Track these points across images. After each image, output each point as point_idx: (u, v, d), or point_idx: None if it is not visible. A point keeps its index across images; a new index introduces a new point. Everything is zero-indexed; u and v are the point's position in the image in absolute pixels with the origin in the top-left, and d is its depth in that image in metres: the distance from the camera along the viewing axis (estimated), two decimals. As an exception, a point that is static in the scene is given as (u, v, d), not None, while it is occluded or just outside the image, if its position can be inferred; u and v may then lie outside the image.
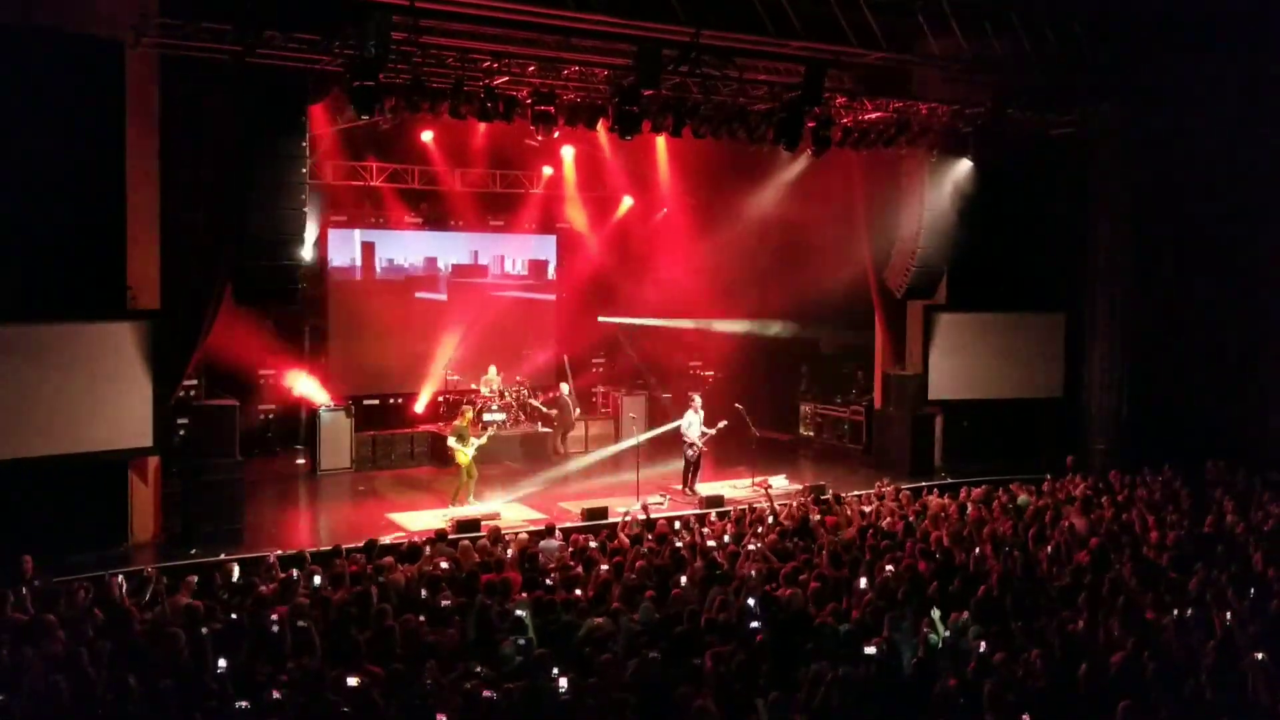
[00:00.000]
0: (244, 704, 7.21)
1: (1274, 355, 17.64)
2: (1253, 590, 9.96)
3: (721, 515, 14.25)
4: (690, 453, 16.65)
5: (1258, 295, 17.73)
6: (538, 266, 22.42)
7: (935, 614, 9.13)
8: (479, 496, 15.86)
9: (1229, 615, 9.23)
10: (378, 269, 20.72)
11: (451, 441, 15.86)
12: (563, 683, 7.61)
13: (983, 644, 8.61)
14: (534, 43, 14.31)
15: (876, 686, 7.80)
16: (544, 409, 20.03)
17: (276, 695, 7.24)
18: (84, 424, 12.95)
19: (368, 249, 20.60)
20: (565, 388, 20.07)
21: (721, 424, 16.77)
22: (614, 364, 22.73)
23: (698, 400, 17.17)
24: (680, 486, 16.67)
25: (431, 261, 21.24)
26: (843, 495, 15.06)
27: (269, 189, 13.53)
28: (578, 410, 20.18)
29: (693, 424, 16.71)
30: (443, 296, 21.27)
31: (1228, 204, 17.58)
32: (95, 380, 13.02)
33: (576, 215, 22.23)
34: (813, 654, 8.34)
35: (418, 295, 21.01)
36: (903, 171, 18.22)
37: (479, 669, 8.12)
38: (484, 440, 16.11)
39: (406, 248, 21.01)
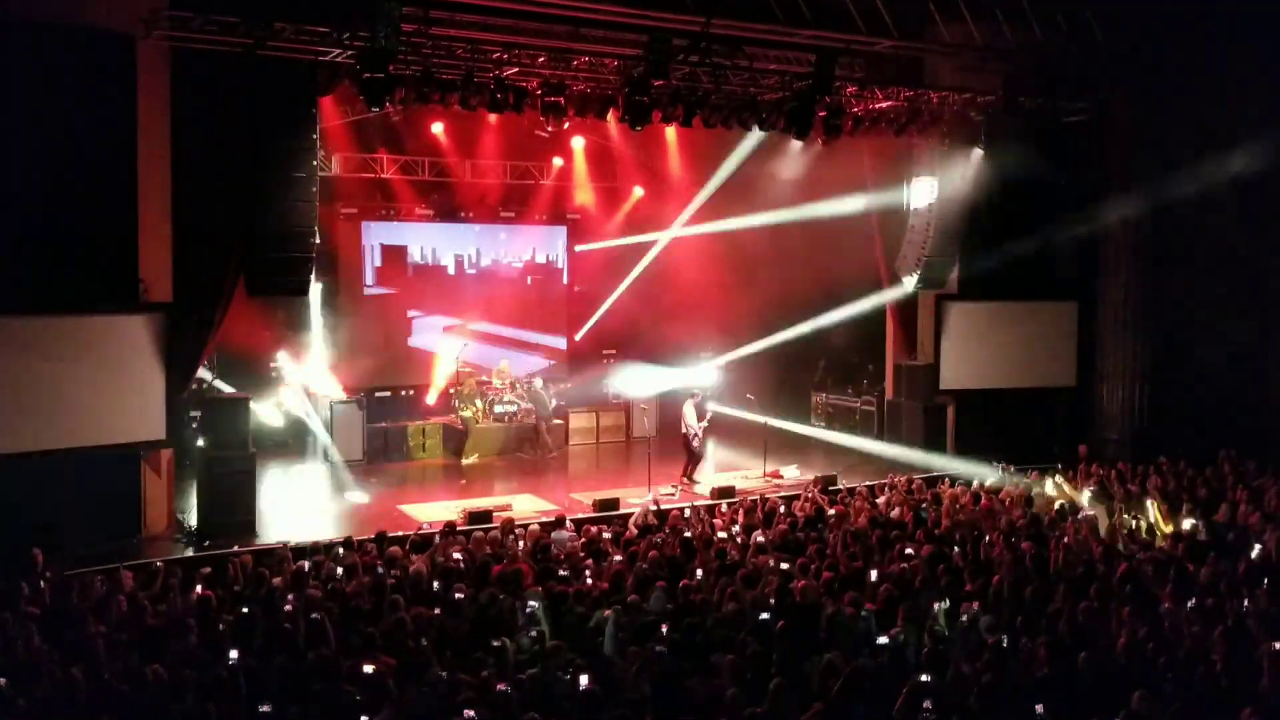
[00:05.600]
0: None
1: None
2: (1266, 580, 9.92)
3: (733, 506, 14.24)
4: (693, 444, 16.70)
5: (1271, 284, 17.63)
6: (548, 257, 22.38)
7: (943, 606, 9.12)
8: (490, 490, 16.04)
9: (1244, 604, 9.22)
10: (389, 260, 20.73)
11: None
12: (583, 680, 7.61)
13: (995, 634, 8.60)
14: (544, 33, 14.30)
15: (889, 676, 7.79)
16: (519, 402, 19.57)
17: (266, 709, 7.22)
18: (97, 417, 12.99)
19: (378, 240, 20.62)
20: (538, 381, 19.74)
21: (710, 414, 16.86)
22: (625, 355, 22.65)
23: (695, 392, 17.28)
24: (683, 478, 16.70)
25: (442, 253, 21.23)
26: (854, 486, 15.06)
27: (280, 181, 13.53)
28: (554, 402, 19.83)
29: (689, 416, 16.76)
30: (454, 286, 21.26)
31: (1242, 191, 17.47)
32: (108, 373, 13.07)
33: (587, 206, 22.21)
34: (825, 644, 8.34)
35: (428, 286, 21.01)
36: (914, 160, 18.15)
37: (492, 660, 8.14)
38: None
39: (417, 239, 21.00)
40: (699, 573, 10.45)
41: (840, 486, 15.17)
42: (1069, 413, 18.81)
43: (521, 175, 21.30)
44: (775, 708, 7.20)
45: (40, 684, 7.52)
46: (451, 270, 21.28)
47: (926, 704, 7.07)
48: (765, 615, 8.97)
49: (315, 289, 15.87)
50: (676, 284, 21.81)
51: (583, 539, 12.16)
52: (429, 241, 21.08)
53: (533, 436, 19.28)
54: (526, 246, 22.11)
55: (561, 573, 10.51)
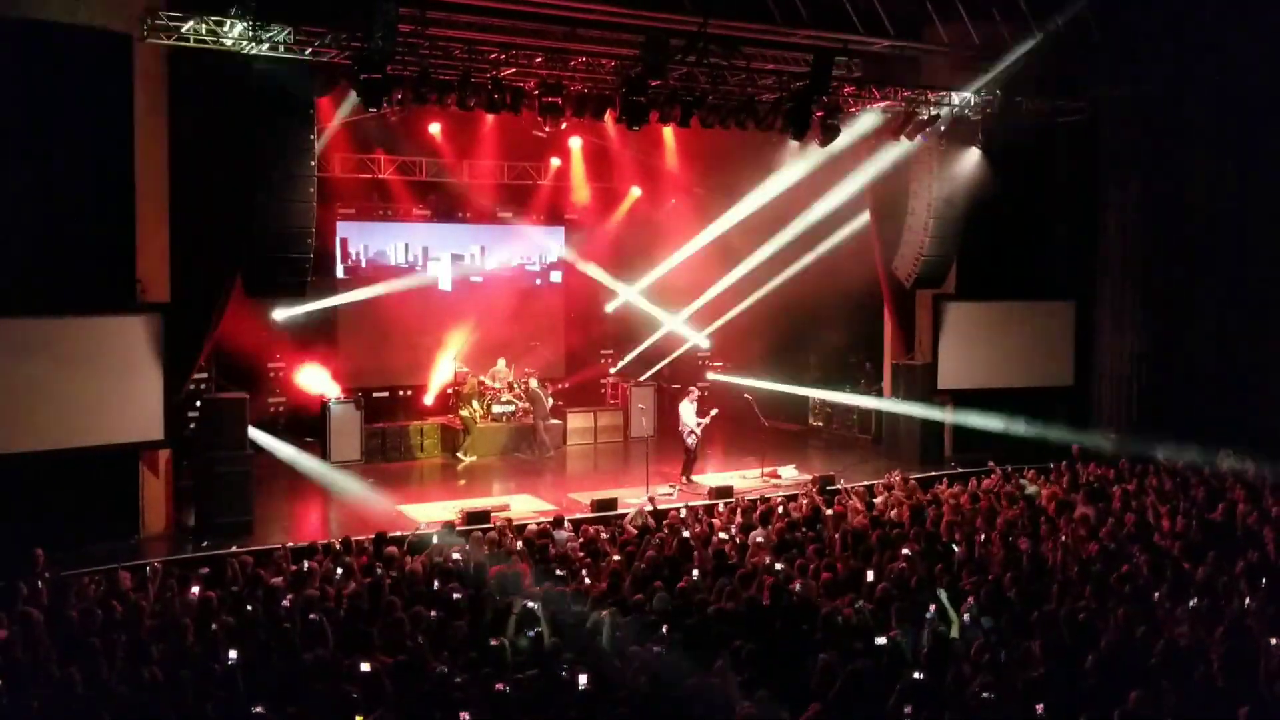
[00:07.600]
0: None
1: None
2: (1264, 579, 9.92)
3: (730, 506, 14.24)
4: (690, 442, 16.73)
5: (1269, 282, 17.64)
6: (546, 258, 22.38)
7: (943, 601, 9.12)
8: (488, 490, 16.06)
9: (1245, 602, 9.22)
10: (386, 261, 20.72)
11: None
12: (582, 679, 7.61)
13: (992, 633, 8.60)
14: (541, 34, 14.31)
15: (887, 677, 7.79)
16: (517, 402, 19.59)
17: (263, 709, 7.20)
18: (95, 417, 13.00)
19: (376, 241, 20.61)
20: (534, 381, 19.71)
21: (713, 411, 16.88)
22: (622, 355, 22.66)
23: (694, 391, 17.30)
24: (681, 477, 16.71)
25: (440, 253, 21.21)
26: (852, 486, 15.07)
27: (277, 182, 13.50)
28: (551, 401, 19.89)
29: (687, 414, 16.78)
30: (450, 288, 21.26)
31: (1239, 190, 17.49)
32: (106, 373, 13.07)
33: (584, 206, 22.21)
34: (822, 645, 8.33)
35: (425, 288, 20.99)
36: (911, 160, 18.14)
37: (490, 659, 8.14)
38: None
39: (415, 240, 20.99)
40: (696, 573, 10.45)
41: (839, 486, 15.17)
42: (1067, 412, 18.82)
43: (519, 175, 21.30)
44: (773, 708, 7.19)
45: (39, 684, 7.51)
46: (450, 270, 21.26)
47: (907, 709, 7.06)
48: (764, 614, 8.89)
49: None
50: (675, 283, 21.80)
51: (580, 539, 12.16)
52: (426, 241, 21.08)
53: (531, 436, 19.30)
54: (524, 246, 22.10)
55: (559, 572, 10.51)
